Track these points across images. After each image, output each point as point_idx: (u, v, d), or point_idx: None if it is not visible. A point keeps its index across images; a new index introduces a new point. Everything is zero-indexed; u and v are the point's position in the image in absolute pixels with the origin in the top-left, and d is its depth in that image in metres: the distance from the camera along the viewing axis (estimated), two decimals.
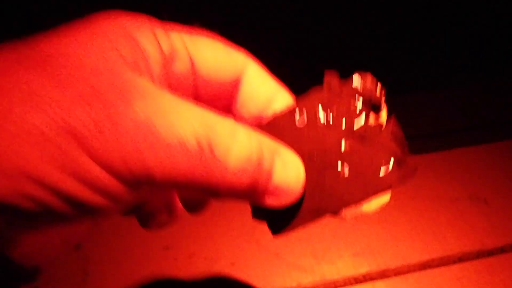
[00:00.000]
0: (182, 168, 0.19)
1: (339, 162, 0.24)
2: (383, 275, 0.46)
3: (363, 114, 0.24)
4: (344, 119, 0.24)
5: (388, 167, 0.24)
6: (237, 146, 0.20)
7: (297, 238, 0.49)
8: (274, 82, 0.27)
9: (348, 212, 0.24)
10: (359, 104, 0.24)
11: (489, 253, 0.48)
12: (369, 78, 0.25)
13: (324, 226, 0.49)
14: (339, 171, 0.24)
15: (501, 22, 0.71)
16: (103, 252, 0.48)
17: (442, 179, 0.55)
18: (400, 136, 0.24)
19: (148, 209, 0.28)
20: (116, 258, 0.48)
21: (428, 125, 0.62)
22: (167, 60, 0.23)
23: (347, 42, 0.64)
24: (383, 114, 0.25)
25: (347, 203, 0.24)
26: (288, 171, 0.22)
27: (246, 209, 0.26)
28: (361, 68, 0.26)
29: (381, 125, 0.24)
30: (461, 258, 0.47)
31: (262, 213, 0.25)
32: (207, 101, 0.26)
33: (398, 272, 0.46)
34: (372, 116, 0.25)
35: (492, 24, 0.71)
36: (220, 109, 0.28)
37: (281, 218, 0.25)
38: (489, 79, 0.69)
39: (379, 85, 0.25)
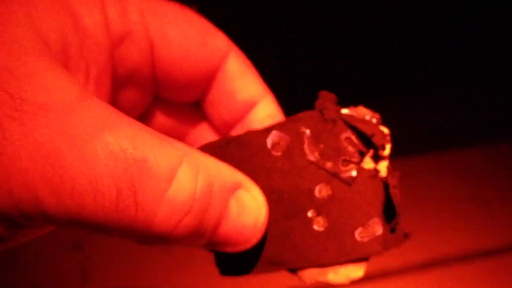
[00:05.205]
0: (90, 211, 0.14)
1: (312, 211, 0.20)
2: (383, 275, 0.46)
3: (355, 157, 0.20)
4: (331, 158, 0.20)
5: (372, 229, 0.20)
6: (174, 189, 0.15)
7: None
8: (259, 83, 0.21)
9: (309, 275, 0.20)
10: (354, 144, 0.20)
11: (489, 253, 0.48)
12: (375, 115, 0.21)
13: None
14: (310, 222, 0.20)
15: (500, 23, 0.71)
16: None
17: (442, 179, 0.55)
18: (397, 193, 0.20)
19: None
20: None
21: (428, 125, 0.62)
22: (117, 42, 0.18)
23: (343, 42, 0.64)
24: (383, 163, 0.20)
25: (310, 263, 0.20)
26: (245, 215, 0.18)
27: None
28: (360, 71, 0.23)
29: (376, 173, 0.20)
30: (461, 258, 0.47)
31: None
32: (169, 98, 0.21)
33: (398, 272, 0.46)
34: (368, 160, 0.20)
35: (491, 25, 0.71)
36: (183, 110, 0.23)
37: (231, 259, 0.21)
38: (489, 79, 0.69)
39: (384, 129, 0.20)
